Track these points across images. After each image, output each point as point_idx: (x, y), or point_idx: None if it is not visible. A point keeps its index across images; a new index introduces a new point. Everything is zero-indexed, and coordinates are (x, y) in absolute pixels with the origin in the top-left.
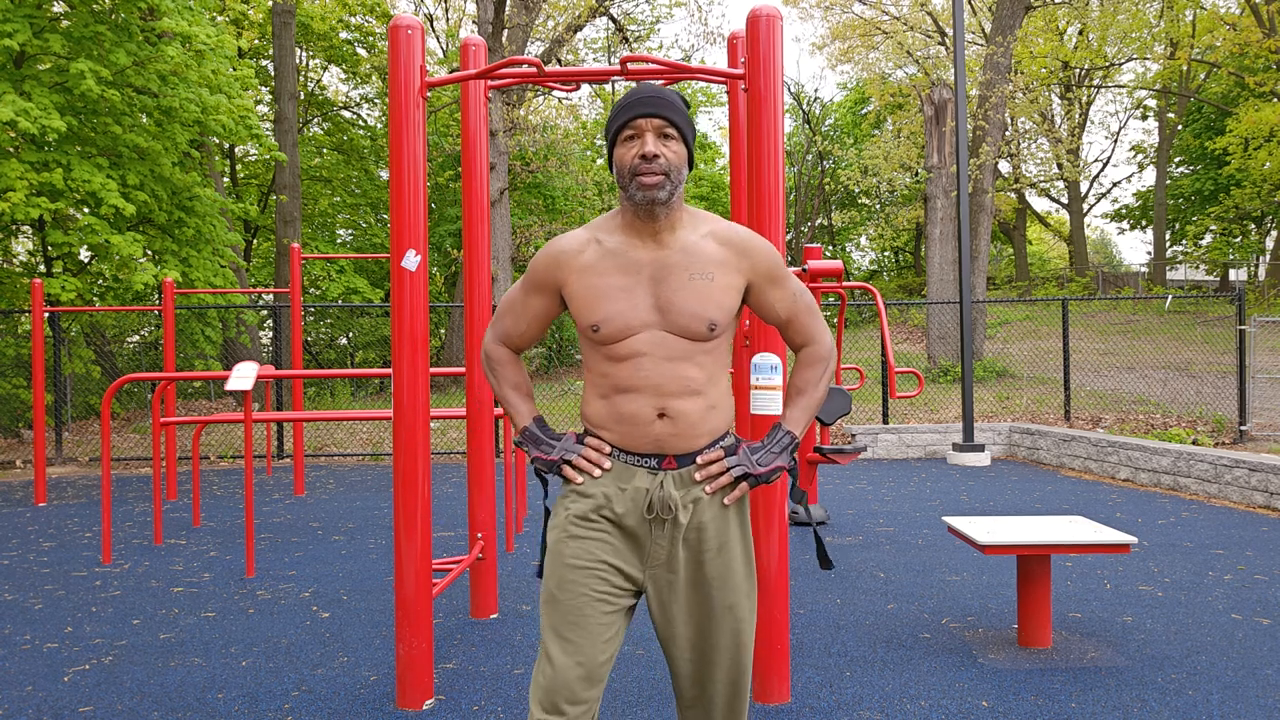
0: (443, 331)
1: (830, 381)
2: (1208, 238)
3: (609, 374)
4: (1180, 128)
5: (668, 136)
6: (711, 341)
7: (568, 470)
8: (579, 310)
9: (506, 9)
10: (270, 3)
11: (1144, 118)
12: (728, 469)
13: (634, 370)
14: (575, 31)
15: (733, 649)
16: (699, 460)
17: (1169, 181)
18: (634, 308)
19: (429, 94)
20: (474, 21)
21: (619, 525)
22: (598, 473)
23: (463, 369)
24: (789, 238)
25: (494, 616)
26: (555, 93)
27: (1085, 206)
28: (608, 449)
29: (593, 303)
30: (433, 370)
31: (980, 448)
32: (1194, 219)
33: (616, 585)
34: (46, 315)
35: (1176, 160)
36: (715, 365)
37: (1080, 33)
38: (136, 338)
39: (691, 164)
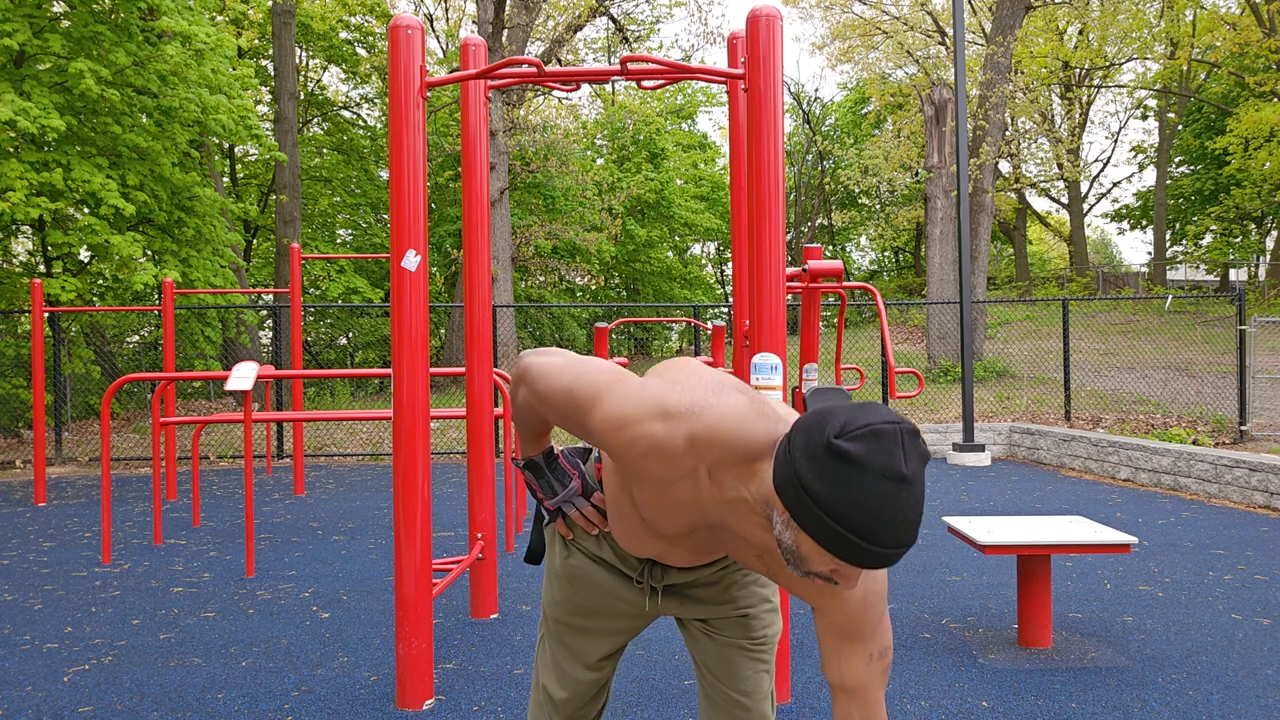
0: (443, 331)
1: None
2: (1208, 238)
3: (614, 496)
4: (1180, 128)
5: None
6: None
7: (560, 525)
8: (609, 471)
9: (506, 9)
10: (270, 3)
11: (1144, 118)
12: None
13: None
14: (575, 31)
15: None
16: None
17: (1169, 181)
18: (655, 542)
19: (429, 94)
20: (474, 21)
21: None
22: (594, 532)
23: (463, 369)
24: (789, 238)
25: (494, 616)
26: (555, 93)
27: (1085, 206)
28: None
29: (623, 506)
30: (433, 370)
31: (980, 448)
32: (1194, 219)
33: (628, 627)
34: (46, 315)
35: (1176, 160)
36: None
37: (1080, 33)
38: (136, 338)
39: None
